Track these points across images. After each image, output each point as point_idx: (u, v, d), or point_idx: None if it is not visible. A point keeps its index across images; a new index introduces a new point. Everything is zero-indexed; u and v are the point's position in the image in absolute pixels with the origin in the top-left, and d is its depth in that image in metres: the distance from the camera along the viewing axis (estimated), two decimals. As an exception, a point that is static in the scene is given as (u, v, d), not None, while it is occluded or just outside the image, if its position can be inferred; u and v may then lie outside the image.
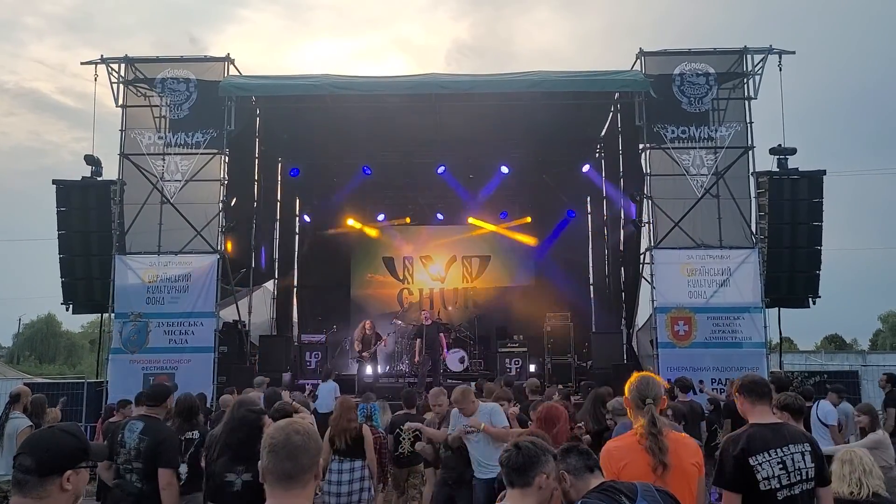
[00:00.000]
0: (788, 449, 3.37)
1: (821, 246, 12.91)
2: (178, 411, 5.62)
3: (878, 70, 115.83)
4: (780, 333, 13.66)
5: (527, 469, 2.71)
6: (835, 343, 48.25)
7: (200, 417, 6.17)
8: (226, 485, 3.51)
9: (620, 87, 12.90)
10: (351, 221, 18.40)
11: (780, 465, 3.33)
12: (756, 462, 3.32)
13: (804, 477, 3.37)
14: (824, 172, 12.89)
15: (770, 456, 3.34)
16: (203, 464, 4.97)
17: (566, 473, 2.83)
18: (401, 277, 19.22)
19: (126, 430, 4.74)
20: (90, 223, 12.90)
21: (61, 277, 12.98)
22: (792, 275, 12.95)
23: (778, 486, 3.30)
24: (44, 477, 2.01)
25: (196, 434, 5.67)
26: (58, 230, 12.89)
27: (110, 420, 8.66)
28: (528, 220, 18.47)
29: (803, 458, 3.38)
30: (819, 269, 12.95)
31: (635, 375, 3.57)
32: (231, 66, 13.05)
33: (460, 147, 16.44)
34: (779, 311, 13.21)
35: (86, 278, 12.95)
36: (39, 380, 20.95)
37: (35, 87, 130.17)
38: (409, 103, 13.71)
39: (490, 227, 18.57)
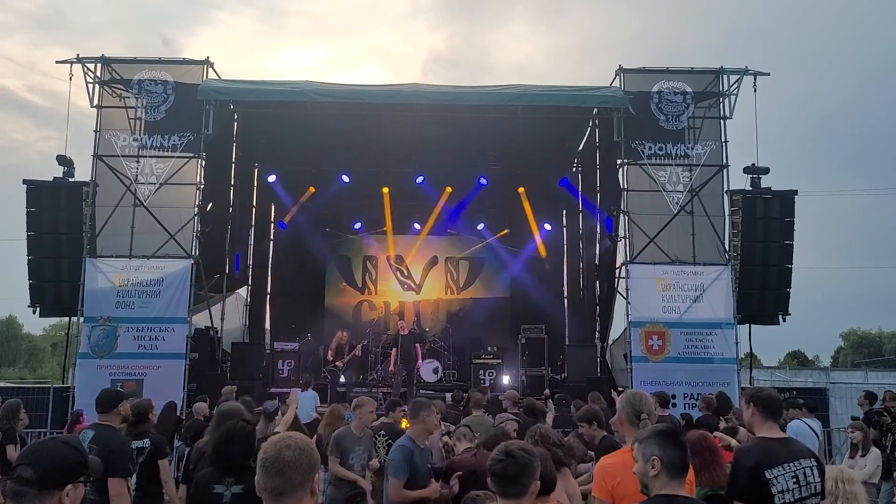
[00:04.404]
0: (800, 463, 3.41)
1: (792, 264, 13.16)
2: (125, 418, 5.26)
3: (846, 93, 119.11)
4: (751, 350, 13.87)
5: (522, 478, 2.60)
6: (797, 359, 49.02)
7: (149, 425, 5.70)
8: (212, 497, 3.38)
9: (600, 102, 13.04)
10: (327, 229, 18.24)
11: (794, 480, 3.36)
12: (772, 476, 3.32)
13: (813, 491, 3.42)
14: (796, 192, 13.17)
15: (784, 470, 3.36)
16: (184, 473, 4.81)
17: (658, 460, 2.63)
18: (360, 285, 18.59)
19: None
20: (60, 225, 12.59)
21: (29, 279, 12.64)
22: (763, 292, 13.17)
23: (791, 500, 3.32)
24: (43, 490, 1.93)
25: (146, 442, 5.39)
26: (27, 231, 12.55)
27: (78, 426, 8.48)
28: (506, 231, 18.48)
29: (812, 473, 3.43)
30: (790, 287, 13.19)
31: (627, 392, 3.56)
32: (210, 70, 12.92)
33: (439, 157, 16.50)
34: (749, 327, 13.40)
35: (54, 281, 12.64)
36: (2, 384, 20.36)
37: (2, 83, 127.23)
38: (389, 112, 13.68)
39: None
